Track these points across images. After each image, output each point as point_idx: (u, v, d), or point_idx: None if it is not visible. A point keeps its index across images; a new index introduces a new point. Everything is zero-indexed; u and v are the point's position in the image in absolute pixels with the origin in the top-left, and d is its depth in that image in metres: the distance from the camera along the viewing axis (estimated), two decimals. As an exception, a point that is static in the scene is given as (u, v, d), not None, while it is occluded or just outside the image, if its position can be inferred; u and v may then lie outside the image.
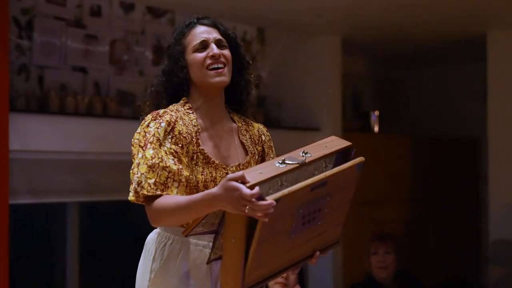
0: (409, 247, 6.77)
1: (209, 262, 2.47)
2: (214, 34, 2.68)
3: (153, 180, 2.40)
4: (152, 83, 2.77)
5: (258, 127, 2.83)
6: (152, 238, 2.66)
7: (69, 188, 5.08)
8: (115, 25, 5.43)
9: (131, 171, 2.47)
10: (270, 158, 2.74)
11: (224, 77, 2.61)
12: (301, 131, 6.47)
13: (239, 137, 2.73)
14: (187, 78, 2.65)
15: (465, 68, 8.07)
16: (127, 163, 5.42)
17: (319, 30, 6.50)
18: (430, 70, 8.46)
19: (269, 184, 2.19)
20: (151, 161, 2.42)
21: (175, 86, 2.68)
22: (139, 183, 2.41)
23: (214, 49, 2.62)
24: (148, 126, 2.53)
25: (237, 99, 2.77)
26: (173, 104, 2.67)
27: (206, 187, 2.51)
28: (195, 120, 2.60)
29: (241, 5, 5.61)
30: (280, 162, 2.25)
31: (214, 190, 2.21)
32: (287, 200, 2.14)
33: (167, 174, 2.42)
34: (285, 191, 2.13)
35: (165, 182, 2.41)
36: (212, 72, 2.60)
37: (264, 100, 6.60)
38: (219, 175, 2.57)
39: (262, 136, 2.81)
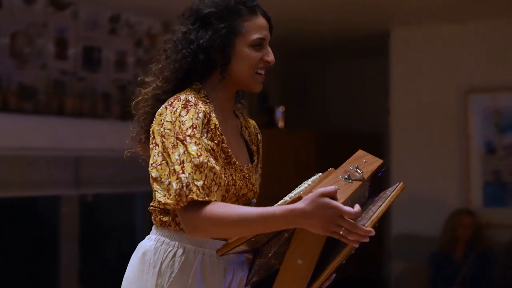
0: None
1: (248, 284, 2.15)
2: (268, 34, 2.35)
3: (201, 183, 2.02)
4: (168, 49, 2.30)
5: (254, 125, 2.50)
6: (153, 246, 2.25)
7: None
8: (16, 17, 5.29)
9: (164, 167, 2.09)
10: (259, 160, 2.46)
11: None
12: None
13: (242, 135, 2.42)
14: (224, 65, 2.25)
15: (369, 64, 8.19)
16: (28, 158, 5.34)
17: (225, 25, 6.48)
18: (335, 65, 8.55)
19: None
20: (198, 160, 2.03)
21: (202, 66, 2.26)
22: (187, 185, 2.01)
23: (271, 54, 2.33)
24: (180, 115, 2.11)
25: (240, 93, 2.44)
26: (188, 89, 2.25)
27: (227, 191, 2.19)
28: (212, 112, 2.20)
29: (146, -2, 5.55)
30: (345, 177, 2.07)
31: (300, 206, 1.93)
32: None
33: (212, 176, 2.06)
34: (374, 217, 1.96)
35: (210, 185, 2.05)
36: (258, 77, 2.30)
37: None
38: (238, 177, 2.24)
39: (258, 135, 2.49)
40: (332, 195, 1.92)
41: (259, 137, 2.49)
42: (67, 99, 5.50)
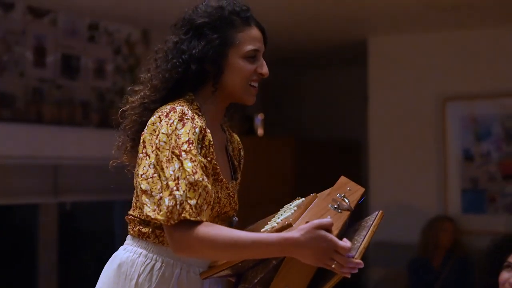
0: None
1: None
2: (262, 46, 2.29)
3: (194, 202, 1.96)
4: (159, 58, 2.24)
5: (237, 140, 2.44)
6: (129, 258, 2.17)
7: None
8: (-6, 25, 5.28)
9: (156, 180, 2.01)
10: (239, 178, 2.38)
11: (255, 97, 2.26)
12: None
13: (226, 150, 2.34)
14: (217, 76, 2.19)
15: (348, 72, 8.21)
16: (6, 166, 5.30)
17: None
18: (314, 73, 8.57)
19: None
20: (193, 177, 1.97)
21: (194, 77, 2.19)
22: (181, 203, 1.94)
23: (265, 66, 2.27)
24: (176, 128, 2.04)
25: (230, 107, 2.36)
26: (182, 100, 2.17)
27: (211, 209, 2.11)
28: (204, 126, 2.12)
29: (125, 6, 5.54)
30: (335, 207, 2.07)
31: (295, 235, 1.91)
32: None
33: (205, 195, 1.99)
34: (362, 248, 1.99)
35: (202, 204, 1.98)
36: (252, 89, 2.25)
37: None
38: (223, 195, 2.17)
39: (241, 151, 2.43)
40: (328, 228, 1.92)
41: (242, 153, 2.43)
42: (45, 107, 5.48)
